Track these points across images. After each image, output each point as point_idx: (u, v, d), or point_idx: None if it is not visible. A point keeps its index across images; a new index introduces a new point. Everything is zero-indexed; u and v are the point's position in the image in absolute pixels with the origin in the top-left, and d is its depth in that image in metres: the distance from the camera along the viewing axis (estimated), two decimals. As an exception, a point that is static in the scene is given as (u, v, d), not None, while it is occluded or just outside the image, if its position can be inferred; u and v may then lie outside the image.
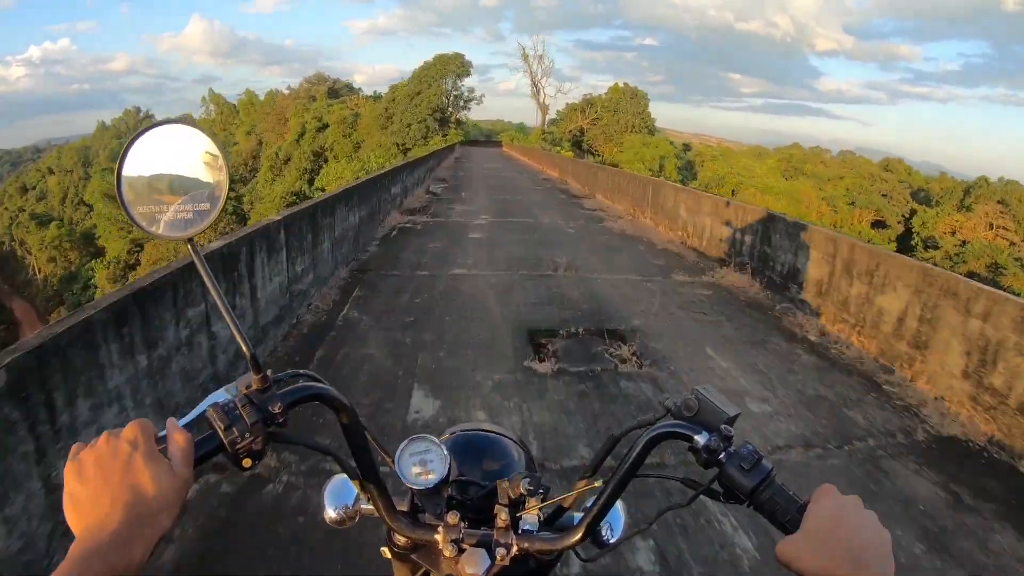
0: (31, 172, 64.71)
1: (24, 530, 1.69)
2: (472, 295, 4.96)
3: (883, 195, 36.30)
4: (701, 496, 0.57)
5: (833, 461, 2.88)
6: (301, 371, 0.61)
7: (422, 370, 3.46)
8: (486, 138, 54.75)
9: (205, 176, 0.57)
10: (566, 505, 0.71)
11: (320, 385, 0.59)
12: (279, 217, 3.89)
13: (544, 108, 49.53)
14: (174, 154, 0.56)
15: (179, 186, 0.56)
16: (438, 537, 0.63)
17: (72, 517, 0.44)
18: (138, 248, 34.97)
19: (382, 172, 8.50)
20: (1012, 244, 28.16)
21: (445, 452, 0.67)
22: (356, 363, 3.54)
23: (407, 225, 8.37)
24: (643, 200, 9.71)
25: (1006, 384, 3.18)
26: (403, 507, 0.68)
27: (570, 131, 42.71)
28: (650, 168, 33.94)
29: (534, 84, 49.81)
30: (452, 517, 0.63)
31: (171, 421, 0.50)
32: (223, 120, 59.43)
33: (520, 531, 0.64)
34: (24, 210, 51.94)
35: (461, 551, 0.62)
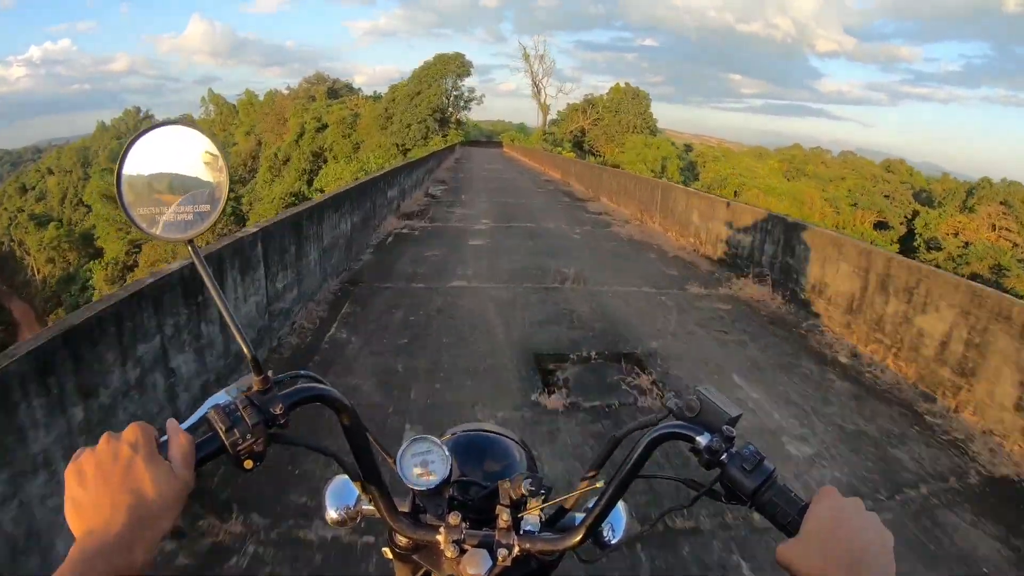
0: (31, 172, 64.61)
1: None
2: (472, 312, 4.54)
3: (885, 196, 36.19)
4: (703, 497, 0.57)
5: (887, 515, 2.51)
6: (302, 372, 0.61)
7: (415, 407, 3.04)
8: (487, 139, 54.39)
9: (205, 177, 0.56)
10: (568, 506, 0.70)
11: (321, 386, 0.59)
12: (255, 229, 3.47)
13: (545, 108, 49.14)
14: (174, 155, 0.56)
15: (179, 187, 0.56)
16: (440, 538, 0.63)
17: (73, 520, 0.44)
18: (136, 249, 34.80)
19: (377, 175, 8.07)
20: (1015, 245, 28.12)
21: (446, 453, 0.67)
22: (340, 397, 3.12)
23: (404, 231, 7.95)
24: (651, 204, 9.29)
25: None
26: (404, 508, 0.68)
27: (571, 131, 42.33)
28: (652, 169, 33.67)
29: (535, 84, 49.45)
30: (454, 518, 0.63)
31: (172, 423, 0.50)
32: (222, 120, 59.16)
33: (522, 532, 0.64)
34: (23, 210, 51.76)
35: (463, 552, 0.62)
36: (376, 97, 45.11)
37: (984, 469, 2.88)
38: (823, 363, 4.12)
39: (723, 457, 0.54)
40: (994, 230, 29.12)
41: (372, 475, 0.64)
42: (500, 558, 0.61)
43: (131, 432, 0.47)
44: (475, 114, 50.11)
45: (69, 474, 0.46)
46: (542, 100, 49.28)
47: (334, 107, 42.60)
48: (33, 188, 59.56)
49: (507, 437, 0.83)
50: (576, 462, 2.60)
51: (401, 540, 0.68)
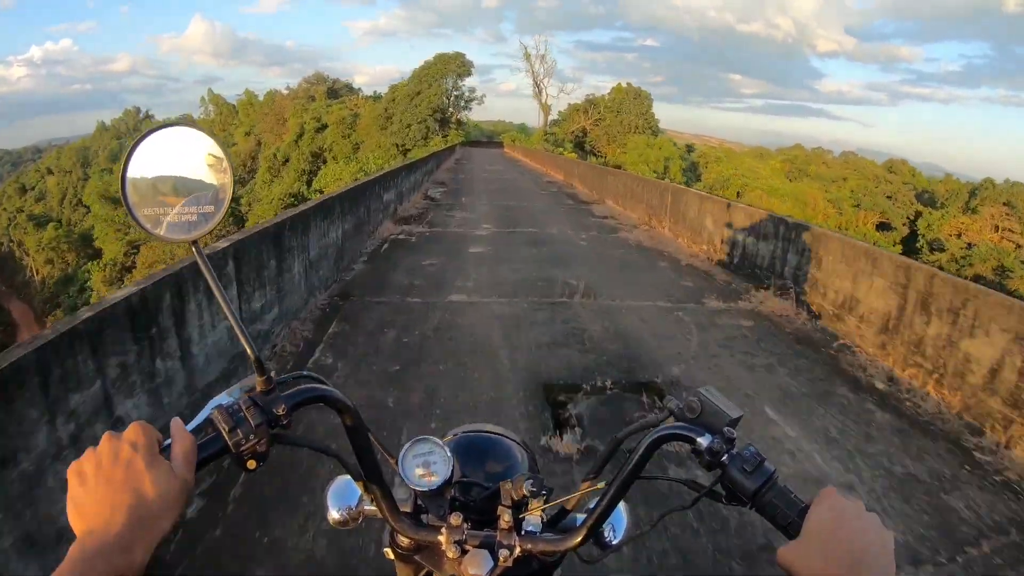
0: (30, 172, 64.46)
1: None
2: (473, 332, 4.11)
3: (888, 197, 36.04)
4: (703, 498, 0.57)
5: (950, 583, 2.14)
6: (304, 373, 0.61)
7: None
8: (487, 139, 54.05)
9: (209, 178, 0.56)
10: (569, 507, 0.70)
11: (324, 387, 0.59)
12: (225, 244, 3.06)
13: (546, 108, 48.75)
14: (178, 156, 0.56)
15: (183, 188, 0.56)
16: (441, 538, 0.63)
17: (74, 519, 0.44)
18: (134, 250, 34.53)
19: (372, 178, 7.65)
20: (1018, 247, 28.20)
21: (448, 454, 0.66)
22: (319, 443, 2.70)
23: (400, 237, 7.53)
24: (661, 208, 8.87)
25: None
26: (406, 508, 0.68)
27: (572, 132, 41.94)
28: (655, 170, 33.40)
29: (536, 84, 49.06)
30: (455, 518, 0.63)
31: (176, 422, 0.50)
32: (222, 121, 58.88)
33: (523, 532, 0.64)
34: (22, 211, 51.53)
35: (464, 552, 0.62)
36: (376, 97, 44.76)
37: (1043, 516, 2.49)
38: (859, 389, 3.73)
39: (724, 458, 0.54)
40: (997, 231, 29.06)
41: (374, 476, 0.64)
42: (501, 559, 0.61)
43: (132, 432, 0.47)
44: (476, 114, 49.79)
45: (71, 474, 0.46)
46: (543, 100, 48.91)
47: (334, 107, 42.25)
48: (33, 188, 59.43)
49: (508, 438, 0.83)
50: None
51: (403, 541, 0.68)
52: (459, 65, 39.30)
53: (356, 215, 6.19)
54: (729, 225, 6.65)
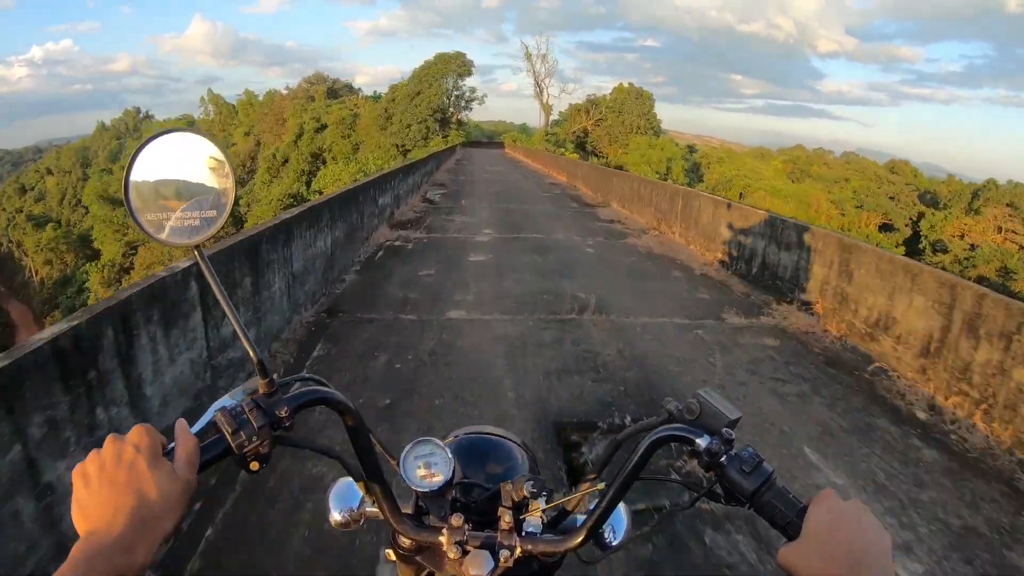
0: (30, 173, 64.29)
1: None
2: (473, 356, 3.68)
3: (890, 198, 35.85)
4: (702, 499, 0.57)
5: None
6: (306, 375, 0.61)
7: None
8: (488, 139, 53.69)
9: (212, 183, 0.57)
10: (569, 508, 0.70)
11: (326, 389, 0.59)
12: (186, 263, 2.64)
13: (547, 108, 48.36)
14: (181, 161, 0.56)
15: (186, 193, 0.56)
16: (442, 539, 0.62)
17: (78, 520, 0.44)
18: (132, 251, 34.27)
19: (367, 180, 7.23)
20: (1022, 248, 28.08)
21: (449, 455, 0.66)
22: (294, 499, 2.29)
23: (396, 243, 7.12)
24: (670, 212, 8.45)
25: None
26: (407, 509, 0.68)
27: (574, 132, 41.55)
28: (657, 171, 33.09)
29: (537, 84, 48.67)
30: (456, 519, 0.63)
31: (180, 424, 0.50)
32: (222, 121, 58.60)
33: (523, 533, 0.64)
34: (22, 211, 51.30)
35: (465, 553, 0.61)
36: (376, 97, 44.40)
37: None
38: (900, 421, 3.35)
39: (722, 459, 0.54)
40: (1000, 232, 28.87)
41: (375, 477, 0.64)
42: (502, 559, 0.61)
43: (135, 434, 0.47)
44: (476, 114, 49.42)
45: (75, 475, 0.46)
46: (544, 100, 48.52)
47: (333, 107, 41.90)
48: (32, 188, 59.30)
49: (509, 439, 0.82)
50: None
51: (404, 541, 0.67)
52: (460, 65, 38.89)
53: (348, 221, 5.77)
54: (746, 232, 6.23)
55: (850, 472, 2.80)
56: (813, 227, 5.21)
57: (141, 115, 72.06)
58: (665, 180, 22.77)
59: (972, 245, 28.50)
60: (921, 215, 33.90)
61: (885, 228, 34.69)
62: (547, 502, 0.65)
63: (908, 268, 4.11)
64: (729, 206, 6.72)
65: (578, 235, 8.33)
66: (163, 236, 0.55)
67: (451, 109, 39.55)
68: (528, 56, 48.72)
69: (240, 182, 43.04)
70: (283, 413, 0.53)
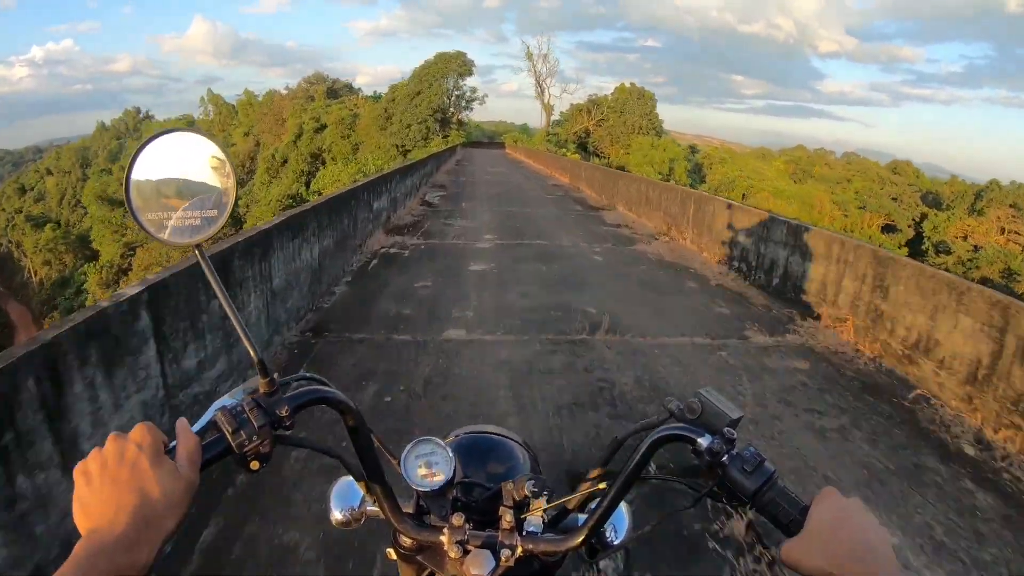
0: (30, 173, 64.12)
1: None
2: (473, 387, 3.25)
3: (893, 199, 35.66)
4: (704, 498, 0.57)
5: None
6: (307, 374, 0.61)
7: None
8: (489, 139, 53.35)
9: (212, 182, 0.57)
10: (570, 507, 0.70)
11: (326, 388, 0.59)
12: (137, 290, 2.24)
13: (548, 108, 47.97)
14: (182, 161, 0.56)
15: (187, 192, 0.56)
16: (443, 539, 0.62)
17: (80, 519, 0.44)
18: (131, 252, 33.99)
19: (361, 184, 6.80)
20: None
21: (450, 454, 0.66)
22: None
23: (392, 251, 6.70)
24: (681, 217, 8.04)
25: None
26: (408, 509, 0.68)
27: (575, 132, 41.16)
28: (660, 171, 32.73)
29: (538, 84, 48.28)
30: (457, 519, 0.63)
31: (181, 423, 0.50)
32: (221, 121, 58.32)
33: (524, 533, 0.64)
34: (21, 211, 51.09)
35: (466, 552, 0.61)
36: (376, 97, 44.04)
37: None
38: (949, 458, 2.98)
39: (724, 459, 0.54)
40: (1003, 233, 28.56)
41: (376, 476, 0.64)
42: (503, 559, 0.61)
43: (137, 432, 0.47)
44: (477, 115, 49.07)
45: (77, 474, 0.46)
46: (546, 100, 48.12)
47: (333, 107, 41.53)
48: (32, 189, 59.11)
49: (510, 439, 0.82)
50: None
51: (405, 541, 0.67)
52: (460, 64, 38.48)
53: (339, 228, 5.36)
54: (764, 239, 5.83)
55: (905, 527, 2.44)
56: (843, 236, 4.80)
57: (141, 115, 71.84)
58: (668, 181, 22.39)
59: (975, 246, 28.33)
60: (924, 216, 33.84)
61: (888, 229, 34.51)
62: (548, 501, 0.65)
63: (953, 285, 3.70)
64: (746, 212, 6.31)
65: (584, 241, 7.91)
66: (164, 235, 0.55)
67: (451, 109, 39.15)
68: (529, 56, 48.36)
69: (239, 183, 42.63)
70: (283, 412, 0.53)
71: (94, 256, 38.30)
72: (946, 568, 2.22)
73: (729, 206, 6.67)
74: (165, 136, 0.55)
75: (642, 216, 10.01)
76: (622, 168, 28.04)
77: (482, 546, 0.61)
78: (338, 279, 5.24)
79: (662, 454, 0.60)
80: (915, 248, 30.79)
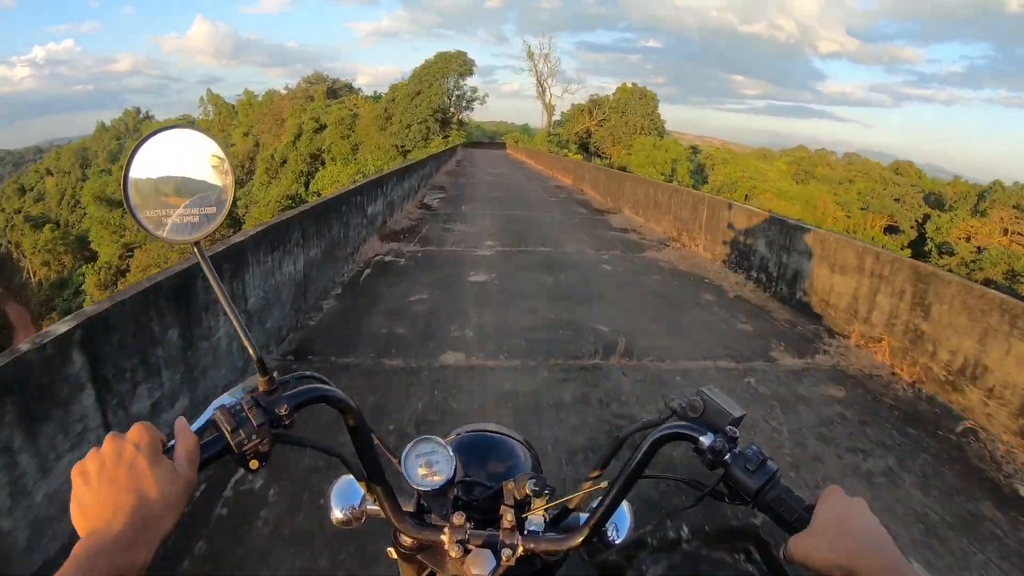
0: (30, 173, 63.97)
1: None
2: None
3: (895, 200, 35.44)
4: (706, 497, 0.57)
5: None
6: (307, 373, 0.61)
7: None
8: (490, 140, 53.03)
9: (211, 180, 0.56)
10: (572, 506, 0.70)
11: (326, 387, 0.59)
12: (70, 326, 1.84)
13: (550, 108, 47.57)
14: (180, 158, 0.56)
15: (185, 190, 0.56)
16: (444, 538, 0.62)
17: (78, 520, 0.44)
18: (129, 253, 33.72)
19: (353, 187, 6.39)
20: None
21: (451, 453, 0.65)
22: None
23: (387, 259, 6.31)
24: (693, 222, 7.64)
25: None
26: (409, 508, 0.68)
27: (577, 133, 40.77)
28: (662, 172, 32.37)
29: (540, 84, 47.88)
30: (458, 518, 0.62)
31: (180, 422, 0.50)
32: (221, 121, 58.07)
33: (525, 532, 0.64)
34: (20, 212, 50.89)
35: (467, 552, 0.61)
36: (376, 97, 43.67)
37: None
38: (1004, 503, 2.62)
39: (726, 457, 0.54)
40: (1007, 235, 28.37)
41: (377, 475, 0.64)
42: (504, 558, 0.60)
43: (135, 432, 0.47)
44: (478, 115, 48.70)
45: (75, 474, 0.46)
46: (547, 100, 47.71)
47: (333, 107, 41.18)
48: (32, 189, 58.95)
49: (511, 437, 0.81)
50: None
51: (406, 540, 0.67)
52: (461, 64, 38.08)
53: (328, 237, 4.97)
54: (786, 249, 5.43)
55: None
56: (878, 249, 4.40)
57: (141, 115, 71.63)
58: (671, 182, 22.00)
59: (979, 248, 28.13)
60: (926, 217, 33.63)
61: (890, 230, 34.28)
62: (549, 500, 0.64)
63: (1006, 307, 3.31)
64: (765, 218, 5.91)
65: (591, 247, 7.50)
66: (163, 233, 0.55)
67: (452, 109, 38.75)
68: (531, 55, 47.96)
69: (239, 183, 42.38)
70: (283, 411, 0.53)
71: (93, 257, 38.18)
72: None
73: (748, 213, 6.27)
74: (163, 133, 0.54)
75: (650, 220, 9.61)
76: (623, 169, 27.66)
77: (483, 545, 0.61)
78: (327, 292, 4.84)
79: (664, 453, 0.56)
80: (918, 249, 30.69)
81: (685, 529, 2.17)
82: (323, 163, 37.28)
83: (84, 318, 1.93)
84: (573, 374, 3.43)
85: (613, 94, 40.98)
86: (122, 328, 2.13)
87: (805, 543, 0.48)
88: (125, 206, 0.53)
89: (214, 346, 2.79)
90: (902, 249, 29.28)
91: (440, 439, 0.67)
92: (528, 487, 0.62)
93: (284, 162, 39.92)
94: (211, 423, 0.50)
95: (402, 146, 34.92)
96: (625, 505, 0.70)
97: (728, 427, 0.55)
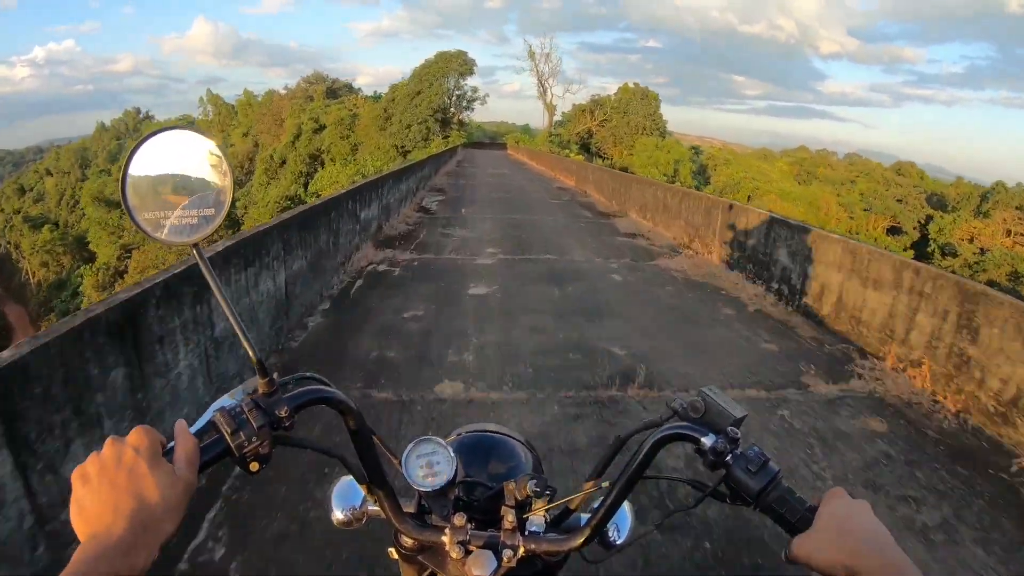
0: (30, 173, 63.77)
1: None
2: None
3: (898, 200, 35.20)
4: (708, 498, 0.56)
5: None
6: (307, 374, 0.60)
7: None
8: (490, 140, 52.66)
9: (210, 181, 0.56)
10: (573, 507, 0.69)
11: (326, 388, 0.58)
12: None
13: (551, 109, 47.20)
14: (179, 159, 0.55)
15: (184, 191, 0.55)
16: (445, 539, 0.61)
17: (78, 523, 0.44)
18: (127, 255, 33.43)
19: (344, 192, 6.01)
20: None
21: (452, 454, 0.65)
22: None
23: (381, 268, 5.92)
24: (706, 228, 7.25)
25: None
26: (410, 509, 0.67)
27: (578, 133, 40.38)
28: (664, 173, 32.00)
29: (541, 84, 47.52)
30: (459, 519, 0.62)
31: (180, 424, 0.49)
32: (221, 121, 57.79)
33: (526, 532, 0.63)
34: (20, 212, 50.67)
35: (468, 553, 0.61)
36: (376, 97, 43.30)
37: None
38: None
39: (728, 458, 0.53)
40: (1010, 236, 28.13)
41: (377, 476, 0.64)
42: (505, 559, 0.60)
43: (135, 436, 0.47)
44: (478, 115, 48.37)
45: (75, 478, 0.45)
46: (548, 100, 47.33)
47: (332, 107, 40.81)
48: (31, 189, 58.72)
49: (512, 438, 0.81)
50: None
51: (406, 541, 0.66)
52: (461, 64, 37.70)
53: (314, 247, 4.59)
54: (810, 259, 5.04)
55: None
56: (920, 264, 4.01)
57: (141, 115, 71.36)
58: (673, 183, 21.62)
59: (982, 249, 27.88)
60: (929, 218, 33.34)
61: (893, 231, 34.01)
62: (550, 501, 0.64)
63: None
64: (787, 226, 5.52)
65: (598, 255, 7.11)
66: (161, 235, 0.54)
67: (452, 109, 38.37)
68: (532, 55, 47.58)
69: (238, 183, 42.03)
70: (283, 413, 0.52)
71: (91, 258, 37.94)
72: None
73: (768, 220, 5.87)
74: (162, 134, 0.54)
75: (659, 225, 9.21)
76: (626, 169, 27.27)
77: (484, 546, 0.61)
78: (313, 307, 4.46)
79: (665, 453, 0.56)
80: (920, 251, 30.43)
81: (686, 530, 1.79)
82: (322, 164, 36.95)
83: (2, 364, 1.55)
84: (587, 409, 3.03)
85: (614, 94, 40.62)
86: (47, 375, 1.75)
87: (808, 543, 0.48)
88: (123, 207, 0.53)
89: (172, 383, 2.41)
90: (905, 250, 29.01)
91: (441, 440, 0.66)
92: (529, 488, 0.62)
93: (283, 162, 39.59)
94: (211, 425, 0.50)
95: (402, 146, 34.55)
96: (626, 506, 0.69)
97: (730, 428, 0.54)
